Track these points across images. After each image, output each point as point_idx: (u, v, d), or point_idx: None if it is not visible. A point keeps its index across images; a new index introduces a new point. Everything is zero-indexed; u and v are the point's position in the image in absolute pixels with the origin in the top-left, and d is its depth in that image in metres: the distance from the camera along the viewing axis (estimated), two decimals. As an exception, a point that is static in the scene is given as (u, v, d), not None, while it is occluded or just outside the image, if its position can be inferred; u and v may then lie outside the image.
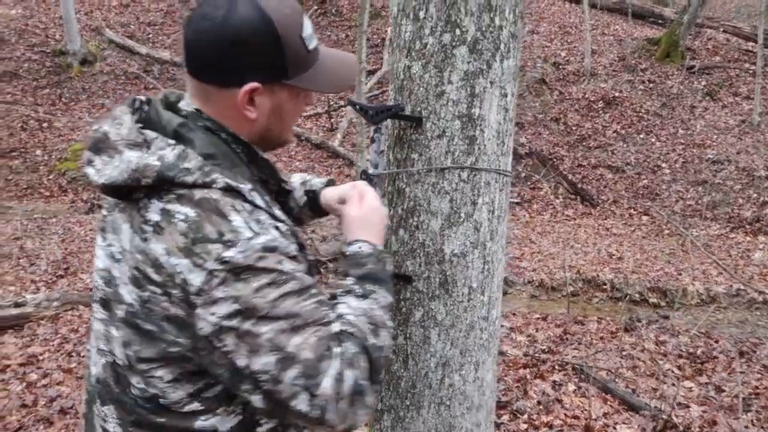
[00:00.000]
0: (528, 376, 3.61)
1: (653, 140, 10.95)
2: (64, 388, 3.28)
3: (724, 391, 3.63)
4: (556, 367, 3.77)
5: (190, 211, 0.86)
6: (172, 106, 1.01)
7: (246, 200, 0.91)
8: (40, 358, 3.68)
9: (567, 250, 7.48)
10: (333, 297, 1.08)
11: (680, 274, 6.76)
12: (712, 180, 10.01)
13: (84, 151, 0.95)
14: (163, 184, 0.88)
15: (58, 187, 9.91)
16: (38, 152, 10.45)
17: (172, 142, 0.91)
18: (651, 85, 11.93)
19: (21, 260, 6.17)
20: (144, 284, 0.88)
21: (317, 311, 0.92)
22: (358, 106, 1.42)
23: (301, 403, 0.89)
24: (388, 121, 1.42)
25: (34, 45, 12.52)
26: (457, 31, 1.33)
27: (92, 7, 14.21)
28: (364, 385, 0.95)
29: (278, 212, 0.98)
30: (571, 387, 3.52)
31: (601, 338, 4.35)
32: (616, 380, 3.69)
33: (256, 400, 0.89)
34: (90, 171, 0.93)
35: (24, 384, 3.33)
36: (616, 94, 11.57)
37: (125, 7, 14.43)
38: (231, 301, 0.85)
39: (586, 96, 11.51)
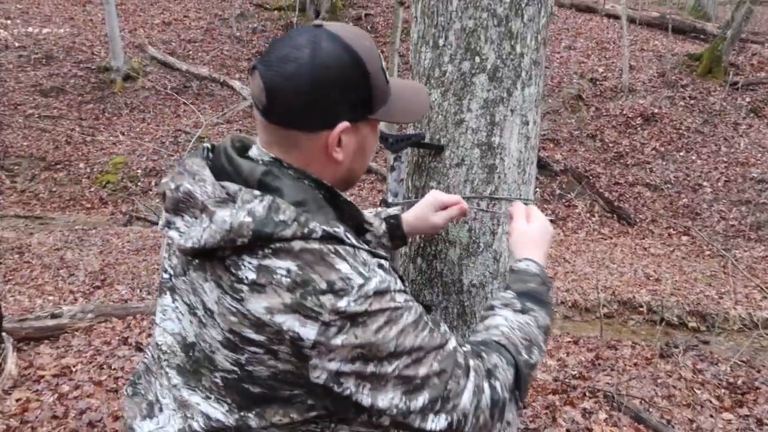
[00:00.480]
0: (557, 403, 3.51)
1: (694, 158, 10.65)
2: (94, 401, 3.33)
3: (766, 425, 3.45)
4: (587, 393, 3.65)
5: (291, 265, 0.80)
6: (242, 154, 0.94)
7: (345, 243, 0.85)
8: (73, 369, 3.75)
9: (602, 269, 7.30)
10: (491, 308, 1.06)
11: (721, 298, 6.51)
12: (756, 200, 9.66)
13: (162, 213, 0.89)
14: (259, 242, 0.81)
15: (98, 199, 10.19)
16: (81, 165, 10.78)
17: (258, 193, 0.83)
18: (692, 101, 11.63)
19: (61, 270, 6.34)
20: (242, 346, 0.82)
21: (435, 336, 0.88)
22: (381, 135, 1.41)
23: (437, 423, 0.86)
24: (409, 149, 1.41)
25: (81, 62, 12.97)
26: (477, 59, 1.31)
27: (136, 25, 14.68)
28: (505, 398, 0.92)
29: (380, 250, 0.94)
30: (602, 415, 3.41)
31: (635, 364, 4.20)
32: (650, 410, 3.56)
33: (385, 422, 0.86)
34: (173, 235, 0.85)
35: (56, 395, 3.39)
36: (656, 111, 11.32)
37: (167, 25, 14.85)
38: (350, 348, 0.80)
39: (624, 112, 11.29)
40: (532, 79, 1.35)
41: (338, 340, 0.80)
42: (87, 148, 11.06)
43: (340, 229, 0.86)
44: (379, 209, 1.39)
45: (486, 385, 0.91)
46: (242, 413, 0.84)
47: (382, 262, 0.88)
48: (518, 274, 1.11)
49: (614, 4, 14.78)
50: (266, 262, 0.81)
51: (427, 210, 1.28)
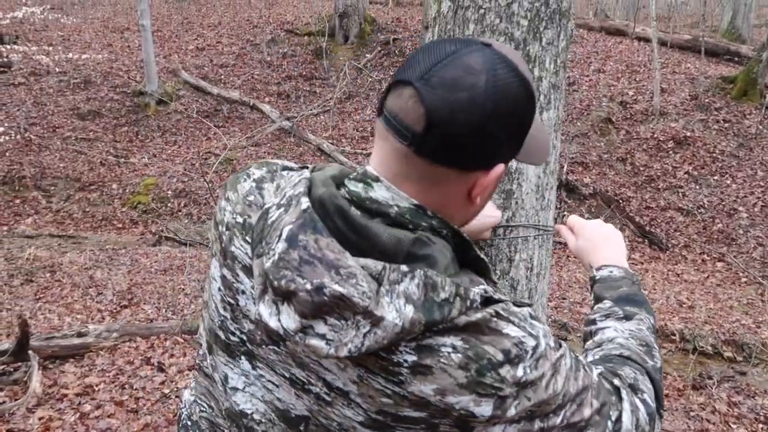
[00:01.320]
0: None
1: (729, 182, 10.39)
2: (114, 421, 3.34)
3: (807, 463, 3.28)
4: (616, 425, 3.52)
5: (456, 341, 0.70)
6: (360, 200, 0.76)
7: (500, 300, 0.74)
8: (96, 388, 3.78)
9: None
10: (592, 322, 1.01)
11: (759, 327, 6.27)
12: (795, 225, 9.35)
13: (290, 314, 0.69)
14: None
15: (129, 220, 10.39)
16: (114, 186, 11.03)
17: (406, 269, 0.69)
18: (726, 124, 11.39)
19: (90, 289, 6.45)
20: (394, 425, 0.72)
21: (589, 372, 0.81)
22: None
23: None
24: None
25: (117, 86, 13.37)
26: (493, 83, 1.28)
27: (171, 50, 15.10)
28: (654, 409, 0.86)
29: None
30: (632, 449, 3.28)
31: (667, 396, 4.05)
32: (683, 444, 3.41)
33: None
34: (317, 344, 0.69)
35: (78, 414, 3.42)
36: (688, 134, 11.11)
37: (201, 50, 15.25)
38: (521, 411, 0.72)
39: (655, 135, 11.10)
40: (551, 102, 1.32)
41: (512, 410, 0.72)
42: (120, 170, 11.33)
43: (489, 287, 0.75)
44: None
45: (638, 401, 0.84)
46: None
47: (530, 310, 0.78)
48: (604, 282, 1.05)
49: (644, 27, 14.66)
50: (427, 341, 0.70)
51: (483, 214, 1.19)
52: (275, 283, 0.69)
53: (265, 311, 0.71)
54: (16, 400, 3.52)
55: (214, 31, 16.36)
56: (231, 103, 13.27)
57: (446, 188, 0.76)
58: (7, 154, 11.19)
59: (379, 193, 0.75)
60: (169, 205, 10.59)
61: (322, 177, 0.78)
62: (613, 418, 0.80)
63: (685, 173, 10.57)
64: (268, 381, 0.80)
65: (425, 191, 0.76)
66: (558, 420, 0.75)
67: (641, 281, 1.26)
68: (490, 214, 1.24)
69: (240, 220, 0.82)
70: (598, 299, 1.03)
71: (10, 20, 11.76)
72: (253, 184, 0.84)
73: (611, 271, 1.06)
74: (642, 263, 8.95)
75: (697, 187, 10.34)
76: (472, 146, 0.73)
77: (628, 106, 11.73)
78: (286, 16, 16.90)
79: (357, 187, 0.76)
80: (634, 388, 0.86)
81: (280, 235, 0.70)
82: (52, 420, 3.35)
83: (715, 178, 10.47)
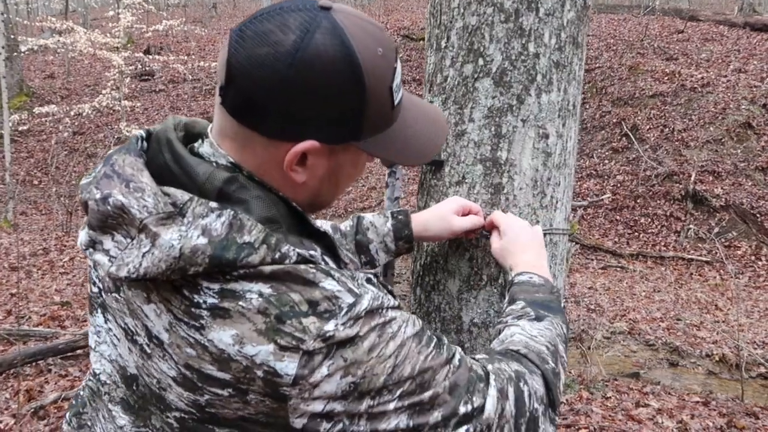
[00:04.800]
0: (671, 473, 3.00)
1: None
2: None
3: None
4: (712, 467, 3.09)
5: (263, 287, 0.65)
6: (188, 143, 0.76)
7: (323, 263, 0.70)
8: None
9: (763, 322, 6.27)
10: (502, 322, 0.95)
11: None
12: None
13: (83, 227, 0.71)
14: (217, 269, 0.65)
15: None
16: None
17: (216, 205, 0.66)
18: None
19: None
20: (201, 386, 0.67)
21: (442, 351, 0.74)
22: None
23: None
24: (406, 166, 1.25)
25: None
26: (480, 61, 1.13)
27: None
28: (535, 410, 0.79)
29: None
30: (727, 497, 2.84)
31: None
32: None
33: None
34: (100, 259, 0.68)
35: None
36: None
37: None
38: (340, 375, 0.66)
39: (806, 142, 9.78)
40: (553, 84, 1.14)
41: (324, 369, 0.64)
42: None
43: (317, 253, 0.72)
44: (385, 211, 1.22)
45: (511, 390, 0.78)
46: None
47: (371, 276, 0.74)
48: (521, 285, 1.00)
49: (800, 20, 12.98)
50: (231, 285, 0.65)
51: (447, 210, 1.10)
52: (79, 196, 0.71)
53: (81, 232, 0.71)
54: None
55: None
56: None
57: (257, 152, 0.72)
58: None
59: (204, 149, 0.74)
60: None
61: (175, 121, 0.77)
62: (472, 401, 0.73)
63: (842, 186, 9.18)
64: (114, 335, 0.76)
65: (240, 151, 0.72)
66: (392, 405, 0.68)
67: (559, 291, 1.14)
68: (452, 211, 1.10)
69: None
70: (512, 301, 0.97)
71: (152, 33, 12.96)
72: None
73: (531, 277, 1.01)
74: (780, 286, 7.88)
75: None
76: (268, 110, 0.67)
77: (773, 108, 10.44)
78: (403, 22, 17.06)
79: (195, 142, 0.76)
80: (511, 379, 0.79)
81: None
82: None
83: None
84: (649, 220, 9.53)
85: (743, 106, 10.28)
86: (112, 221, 0.67)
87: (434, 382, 0.71)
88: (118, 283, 0.73)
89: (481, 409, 0.74)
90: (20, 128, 11.68)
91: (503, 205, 1.15)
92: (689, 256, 8.71)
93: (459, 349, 0.78)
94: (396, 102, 0.75)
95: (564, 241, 1.26)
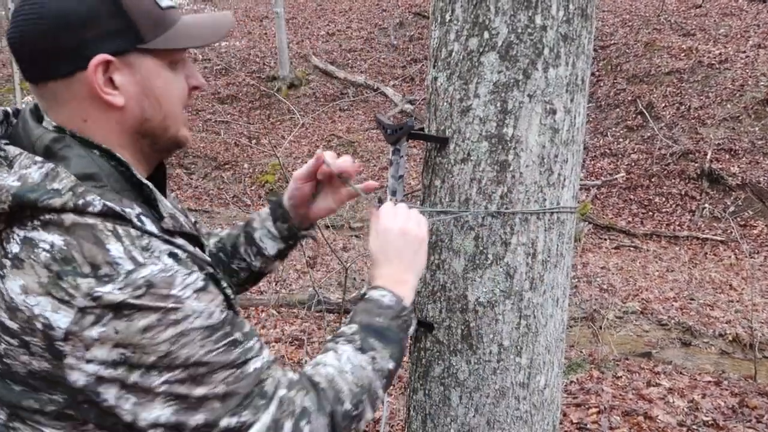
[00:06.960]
0: (681, 452, 2.99)
1: None
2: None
3: None
4: (722, 446, 3.08)
5: (57, 239, 0.71)
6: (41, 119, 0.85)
7: (133, 226, 0.75)
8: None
9: (778, 302, 6.21)
10: (333, 339, 0.93)
11: None
12: None
13: None
14: (24, 210, 0.72)
15: (257, 197, 11.02)
16: (246, 166, 11.76)
17: (39, 159, 0.75)
18: None
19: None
20: (0, 335, 0.72)
21: (233, 351, 0.76)
22: (380, 124, 1.26)
23: None
24: (410, 142, 1.23)
25: (253, 72, 14.19)
26: (486, 35, 1.10)
27: (303, 36, 15.71)
28: None
29: (180, 240, 0.81)
30: (737, 476, 2.84)
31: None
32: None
33: None
34: None
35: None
36: None
37: (331, 36, 15.70)
38: (111, 344, 0.70)
39: (827, 119, 9.57)
40: (561, 57, 1.11)
41: (94, 332, 0.69)
42: (252, 150, 12.03)
43: (131, 210, 0.76)
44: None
45: (288, 425, 0.79)
46: (12, 424, 0.74)
47: (179, 252, 0.77)
48: (366, 303, 0.96)
49: (823, -7, 12.61)
50: (32, 234, 0.72)
51: (294, 177, 1.11)
52: None
53: None
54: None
55: (344, 16, 16.74)
56: (356, 87, 13.52)
57: (66, 102, 0.80)
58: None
59: (44, 123, 0.82)
60: (291, 184, 11.07)
61: (35, 102, 0.85)
62: (240, 416, 0.76)
63: None
64: None
65: (56, 113, 0.81)
66: (158, 381, 0.72)
67: (413, 313, 1.09)
68: (297, 178, 1.11)
69: None
70: (350, 321, 0.95)
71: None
72: None
73: (382, 296, 0.96)
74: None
75: None
76: (49, 53, 0.77)
77: (793, 85, 10.21)
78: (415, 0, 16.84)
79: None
80: (296, 415, 0.80)
81: None
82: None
83: None
84: (664, 199, 9.42)
85: (762, 83, 10.07)
86: None
87: (209, 380, 0.74)
88: None
89: (247, 428, 0.76)
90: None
91: (509, 182, 1.13)
92: (704, 236, 8.61)
93: (267, 360, 0.80)
94: (163, 5, 0.83)
95: (572, 220, 1.24)
